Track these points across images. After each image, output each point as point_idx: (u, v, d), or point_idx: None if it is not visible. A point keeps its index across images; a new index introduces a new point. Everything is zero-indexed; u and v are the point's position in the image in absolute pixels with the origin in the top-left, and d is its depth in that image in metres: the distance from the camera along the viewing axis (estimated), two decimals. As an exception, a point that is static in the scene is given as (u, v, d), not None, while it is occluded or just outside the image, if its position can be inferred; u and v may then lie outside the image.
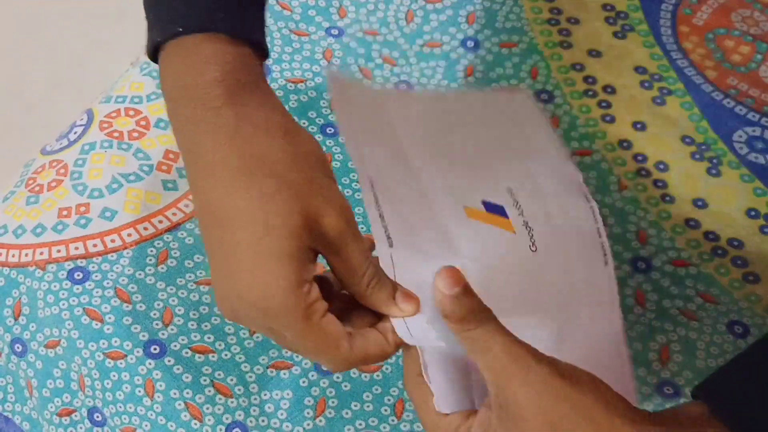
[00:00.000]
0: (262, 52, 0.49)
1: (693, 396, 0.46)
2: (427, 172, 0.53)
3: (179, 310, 0.58)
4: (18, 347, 0.59)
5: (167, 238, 0.61)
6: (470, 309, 0.45)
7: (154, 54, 0.48)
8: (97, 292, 0.58)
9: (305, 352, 0.46)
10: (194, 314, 0.58)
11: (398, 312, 0.47)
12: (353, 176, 0.64)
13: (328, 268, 0.47)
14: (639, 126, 0.67)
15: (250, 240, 0.43)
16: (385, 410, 0.56)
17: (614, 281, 0.54)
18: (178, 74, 0.46)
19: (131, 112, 0.66)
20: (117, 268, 0.59)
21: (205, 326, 0.58)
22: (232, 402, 0.55)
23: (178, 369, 0.56)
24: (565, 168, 0.58)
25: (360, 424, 0.56)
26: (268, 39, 0.68)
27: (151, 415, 0.55)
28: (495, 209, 0.53)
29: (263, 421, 0.55)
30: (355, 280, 0.46)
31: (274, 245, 0.43)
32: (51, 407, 0.58)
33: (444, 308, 0.45)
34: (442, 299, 0.45)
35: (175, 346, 0.57)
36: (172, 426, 0.55)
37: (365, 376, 0.57)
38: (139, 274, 0.59)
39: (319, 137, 0.66)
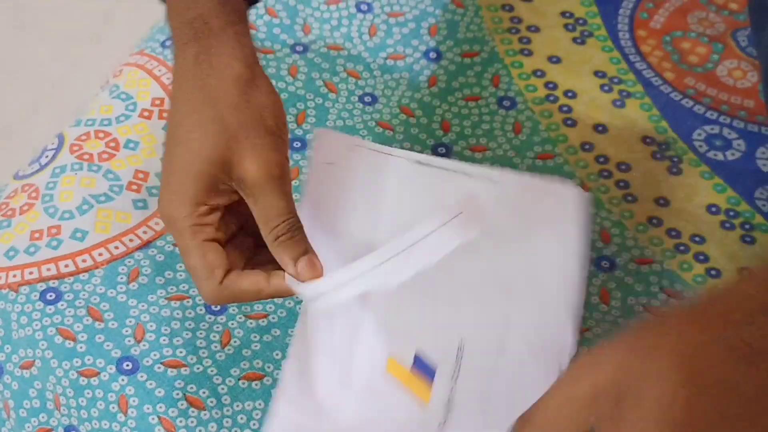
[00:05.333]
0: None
1: None
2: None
3: (151, 326, 0.59)
4: (-6, 370, 0.60)
5: (138, 255, 0.62)
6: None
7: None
8: (69, 312, 0.59)
9: (190, 272, 0.50)
10: (166, 330, 0.59)
11: (292, 271, 0.49)
12: None
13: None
14: (600, 128, 0.68)
15: (180, 161, 0.49)
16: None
17: None
18: (168, 17, 0.53)
19: (101, 135, 0.67)
20: (89, 287, 0.60)
21: (177, 341, 0.59)
22: (204, 414, 0.56)
23: (150, 384, 0.57)
24: (559, 330, 0.49)
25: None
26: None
27: (126, 430, 0.56)
28: (424, 369, 0.49)
29: (236, 432, 0.56)
30: (266, 231, 0.49)
31: (191, 167, 0.49)
32: (28, 427, 0.59)
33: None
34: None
35: (148, 361, 0.58)
36: (146, 440, 0.56)
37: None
38: (111, 293, 0.60)
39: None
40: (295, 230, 0.49)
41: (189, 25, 0.50)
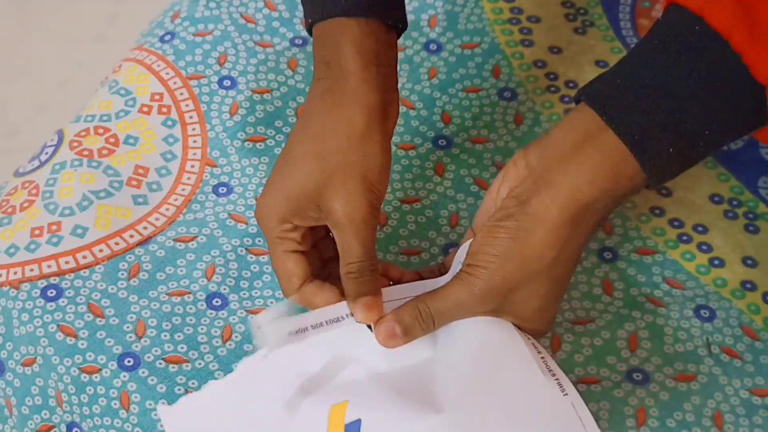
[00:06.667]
0: (396, 27, 0.58)
1: (577, 101, 0.52)
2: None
3: (152, 321, 0.59)
4: (-4, 367, 0.60)
5: (138, 251, 0.62)
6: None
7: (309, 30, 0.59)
8: (70, 309, 0.59)
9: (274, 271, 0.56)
10: (167, 325, 0.59)
11: (351, 306, 0.53)
12: None
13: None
14: (602, 119, 0.68)
15: (282, 179, 0.55)
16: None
17: None
18: (313, 48, 0.58)
19: (100, 130, 0.67)
20: (89, 283, 0.60)
21: (178, 336, 0.58)
22: (206, 410, 0.56)
23: (152, 380, 0.57)
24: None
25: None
26: (233, 52, 0.70)
27: (128, 427, 0.56)
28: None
29: (238, 427, 0.56)
30: (341, 263, 0.54)
31: (286, 189, 0.54)
32: (30, 424, 0.59)
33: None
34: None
35: (149, 357, 0.58)
36: (148, 436, 0.56)
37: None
38: (112, 289, 0.60)
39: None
40: (363, 272, 0.53)
41: (326, 65, 0.55)
